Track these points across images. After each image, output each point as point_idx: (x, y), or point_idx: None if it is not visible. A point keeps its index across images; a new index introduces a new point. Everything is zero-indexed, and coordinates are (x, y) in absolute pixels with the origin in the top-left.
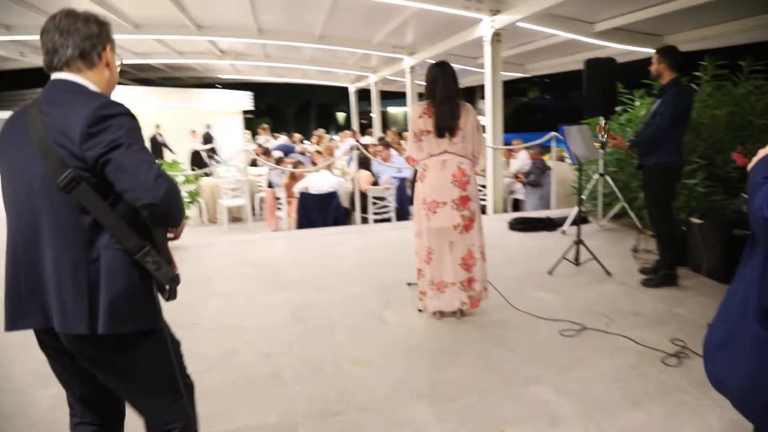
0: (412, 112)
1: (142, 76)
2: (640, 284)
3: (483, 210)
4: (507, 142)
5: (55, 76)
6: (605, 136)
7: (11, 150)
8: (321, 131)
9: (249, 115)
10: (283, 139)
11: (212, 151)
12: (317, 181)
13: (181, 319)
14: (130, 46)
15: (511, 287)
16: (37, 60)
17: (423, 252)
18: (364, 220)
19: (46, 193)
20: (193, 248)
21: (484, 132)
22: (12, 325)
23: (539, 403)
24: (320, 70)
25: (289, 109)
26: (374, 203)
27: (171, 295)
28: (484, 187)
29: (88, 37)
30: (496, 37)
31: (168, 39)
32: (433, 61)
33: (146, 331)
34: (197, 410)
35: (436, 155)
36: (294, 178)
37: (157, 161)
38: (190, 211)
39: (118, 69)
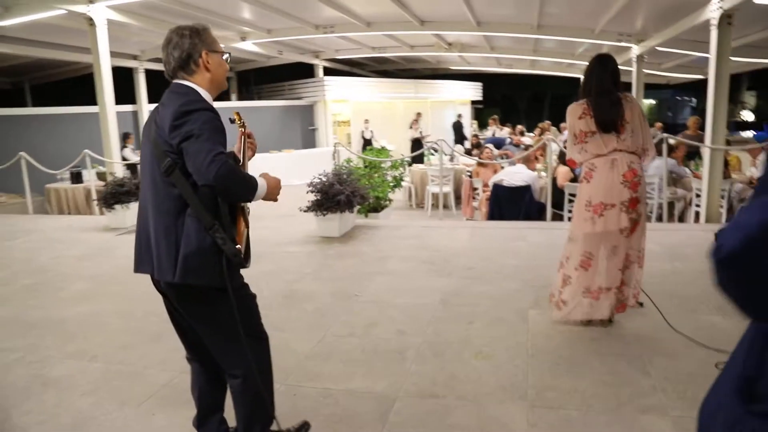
0: (570, 113)
1: (381, 68)
2: None
3: (681, 216)
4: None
5: (173, 81)
6: None
7: (145, 139)
8: (545, 123)
9: (478, 106)
10: (505, 131)
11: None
12: (511, 174)
13: (347, 289)
14: (366, 41)
15: (681, 305)
16: (294, 56)
17: (577, 258)
18: (559, 217)
19: (153, 174)
20: (384, 228)
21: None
22: (136, 269)
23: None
24: (549, 61)
25: (522, 100)
26: (570, 200)
27: (237, 265)
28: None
29: (184, 50)
30: (726, 19)
31: (397, 34)
32: (662, 50)
33: (214, 288)
34: (271, 362)
35: (605, 155)
36: (484, 168)
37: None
38: (395, 195)
39: (225, 65)
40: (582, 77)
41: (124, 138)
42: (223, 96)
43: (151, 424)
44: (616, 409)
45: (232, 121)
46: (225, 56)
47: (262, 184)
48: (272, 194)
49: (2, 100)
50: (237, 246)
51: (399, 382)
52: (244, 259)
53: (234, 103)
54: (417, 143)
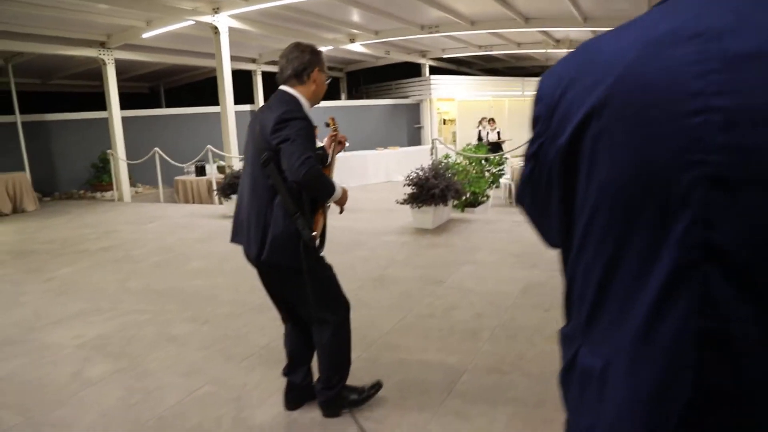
0: None
1: (489, 66)
2: None
3: None
4: None
5: (280, 87)
6: None
7: (250, 134)
8: None
9: None
10: None
11: None
12: None
13: (434, 276)
14: (472, 39)
15: None
16: (401, 56)
17: None
18: None
19: (253, 164)
20: (477, 222)
21: None
22: (231, 239)
23: None
24: None
25: None
26: None
27: (312, 249)
28: None
29: (302, 63)
30: None
31: (503, 32)
32: None
33: (294, 267)
34: (349, 325)
35: None
36: None
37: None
38: (492, 191)
39: (325, 85)
40: None
41: None
42: (334, 95)
43: (250, 377)
44: None
45: (327, 125)
46: (328, 79)
47: (338, 190)
48: (341, 202)
49: (141, 103)
50: (313, 233)
51: (469, 358)
52: (320, 245)
53: (344, 102)
54: (496, 147)
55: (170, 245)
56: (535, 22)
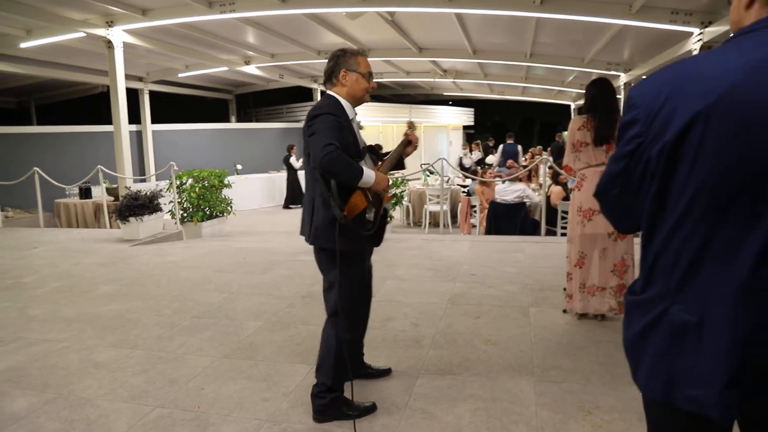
0: (572, 124)
1: (376, 92)
2: None
3: None
4: None
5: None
6: None
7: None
8: (537, 148)
9: (470, 131)
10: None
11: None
12: (505, 192)
13: None
14: None
15: None
16: (293, 80)
17: (574, 257)
18: (552, 233)
19: (305, 158)
20: (388, 241)
21: None
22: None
23: (639, 400)
24: (539, 88)
25: (513, 126)
26: (563, 217)
27: (348, 231)
28: None
29: (329, 68)
30: (706, 50)
31: (395, 60)
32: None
33: (332, 250)
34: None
35: (594, 166)
36: (486, 187)
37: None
38: (395, 212)
39: (362, 83)
40: (585, 97)
41: (289, 148)
42: (222, 118)
43: (202, 396)
44: (611, 382)
45: (408, 127)
46: (365, 74)
47: (369, 175)
48: (378, 186)
49: (7, 119)
50: (344, 212)
51: (419, 364)
52: (362, 228)
53: (234, 125)
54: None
55: (68, 271)
56: (427, 52)
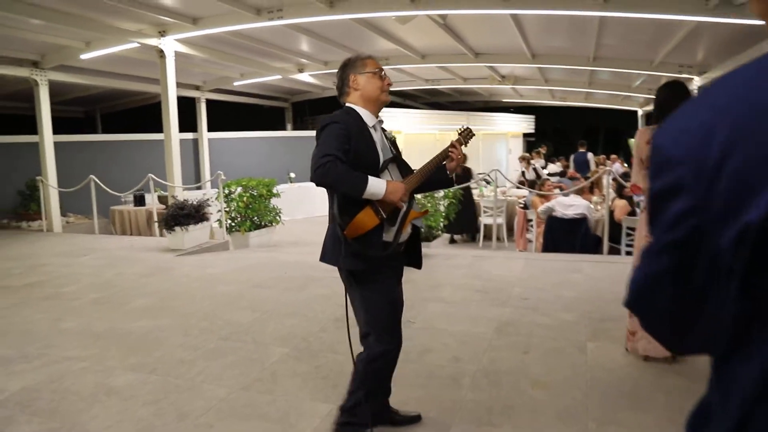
0: (638, 137)
1: (432, 100)
2: None
3: None
4: None
5: None
6: None
7: None
8: (601, 157)
9: (531, 138)
10: (556, 164)
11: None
12: (565, 206)
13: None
14: (419, 73)
15: None
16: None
17: None
18: (615, 251)
19: None
20: (436, 257)
21: None
22: None
23: None
24: (604, 93)
25: (575, 133)
26: (628, 234)
27: (354, 252)
28: None
29: (339, 81)
30: None
31: (451, 66)
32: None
33: (348, 270)
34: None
35: None
36: (544, 200)
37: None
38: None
39: (376, 81)
40: (655, 102)
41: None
42: (279, 126)
43: None
44: None
45: (459, 134)
46: (375, 72)
47: (375, 185)
48: (390, 197)
49: (76, 128)
50: (344, 233)
51: (454, 409)
52: (373, 249)
53: (289, 132)
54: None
55: (109, 281)
56: (484, 57)
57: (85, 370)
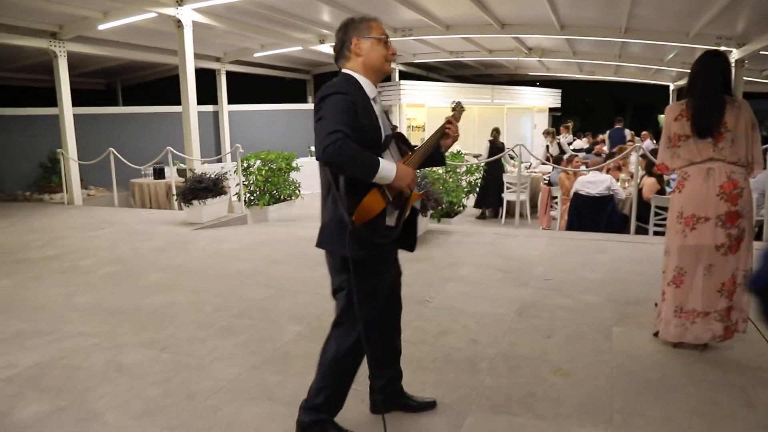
0: (667, 113)
1: (457, 73)
2: None
3: None
4: None
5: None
6: None
7: None
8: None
9: (557, 113)
10: (583, 140)
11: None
12: (590, 183)
13: (418, 295)
14: (443, 45)
15: None
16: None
17: (671, 272)
18: (643, 231)
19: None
20: (457, 234)
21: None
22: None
23: None
24: (635, 67)
25: (602, 109)
26: (657, 214)
27: (359, 237)
28: None
29: (338, 42)
30: None
31: (476, 38)
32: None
33: (343, 257)
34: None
35: (699, 163)
36: (571, 176)
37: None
38: (468, 201)
39: (379, 49)
40: (689, 75)
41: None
42: (300, 98)
43: (217, 419)
44: None
45: (453, 110)
46: (381, 38)
47: (386, 169)
48: (399, 182)
49: (97, 100)
50: (352, 218)
51: (471, 396)
52: (378, 234)
53: (308, 105)
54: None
55: (124, 255)
56: (510, 28)
57: (95, 347)
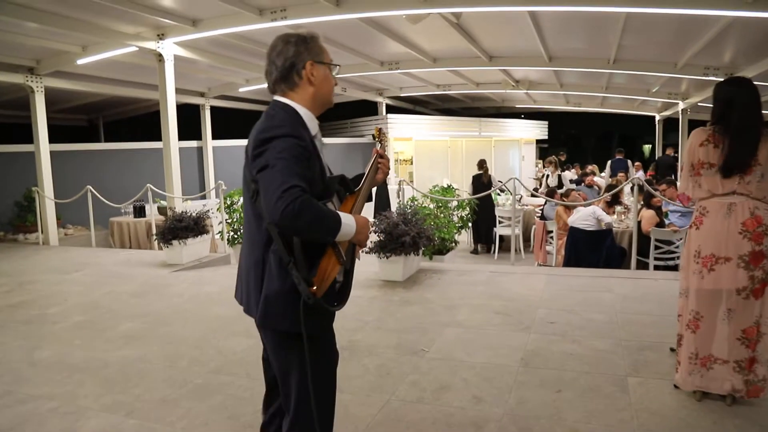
0: (693, 138)
1: (444, 106)
2: None
3: None
4: None
5: (273, 98)
6: None
7: (245, 165)
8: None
9: (543, 145)
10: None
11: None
12: (587, 217)
13: (413, 343)
14: (431, 78)
15: None
16: (357, 94)
17: (687, 316)
18: (643, 265)
19: (246, 202)
20: (450, 273)
21: None
22: (235, 294)
23: None
24: (621, 98)
25: (589, 140)
26: (657, 247)
27: (317, 310)
28: None
29: (287, 59)
30: None
31: (463, 70)
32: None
33: (293, 333)
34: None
35: (720, 195)
36: (568, 211)
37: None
38: (460, 236)
39: (331, 81)
40: (717, 102)
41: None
42: None
43: None
44: None
45: (374, 138)
46: (334, 70)
47: (348, 224)
48: (359, 236)
49: (79, 136)
50: (313, 288)
51: None
52: (332, 302)
53: None
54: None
55: (97, 301)
56: (499, 60)
57: (53, 412)
